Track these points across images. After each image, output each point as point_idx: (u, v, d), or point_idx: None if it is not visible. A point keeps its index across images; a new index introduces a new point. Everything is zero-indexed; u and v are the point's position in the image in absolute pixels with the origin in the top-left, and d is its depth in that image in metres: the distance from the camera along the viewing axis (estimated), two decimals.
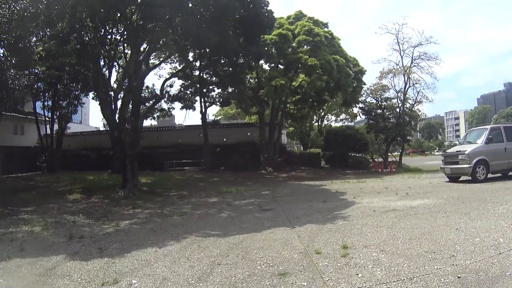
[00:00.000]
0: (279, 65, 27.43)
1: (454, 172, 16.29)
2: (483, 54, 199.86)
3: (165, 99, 25.01)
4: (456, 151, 16.59)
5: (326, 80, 24.48)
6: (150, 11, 13.62)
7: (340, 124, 52.70)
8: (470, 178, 15.56)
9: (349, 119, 54.01)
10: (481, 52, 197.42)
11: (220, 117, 55.23)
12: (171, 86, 26.54)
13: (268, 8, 20.13)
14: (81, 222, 9.83)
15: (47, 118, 28.52)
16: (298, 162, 31.65)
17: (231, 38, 16.75)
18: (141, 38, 15.26)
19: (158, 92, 23.71)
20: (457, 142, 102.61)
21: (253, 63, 23.50)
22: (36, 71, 24.63)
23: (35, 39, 19.05)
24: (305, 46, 25.72)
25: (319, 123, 52.27)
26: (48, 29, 16.03)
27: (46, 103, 28.04)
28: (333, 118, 54.86)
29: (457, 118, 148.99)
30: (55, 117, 27.95)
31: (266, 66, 29.14)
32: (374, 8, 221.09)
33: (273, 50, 24.68)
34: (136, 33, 15.02)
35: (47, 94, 27.26)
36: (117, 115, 19.24)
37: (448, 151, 18.57)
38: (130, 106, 17.26)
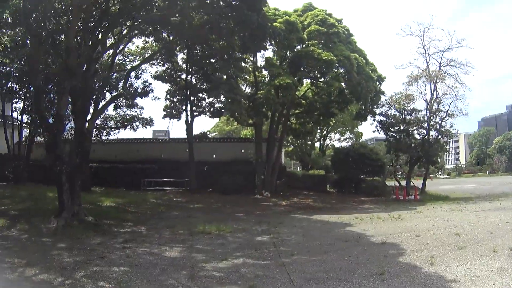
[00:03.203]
0: (283, 64, 22.28)
1: None
2: (483, 76, 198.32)
3: (128, 93, 19.01)
4: None
5: (343, 82, 19.46)
6: None
7: (344, 144, 47.87)
8: None
9: (354, 138, 49.25)
10: (480, 75, 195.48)
11: (215, 133, 50.31)
12: (137, 77, 21.55)
13: None
14: None
15: (16, 123, 25.14)
16: (300, 186, 27.24)
17: None
18: None
19: (120, 84, 18.15)
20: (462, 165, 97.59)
21: (252, 45, 17.47)
22: (8, 68, 21.20)
23: None
24: (317, 42, 20.58)
25: (321, 142, 47.34)
26: None
27: (16, 106, 24.72)
28: (337, 136, 50.00)
29: (457, 141, 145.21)
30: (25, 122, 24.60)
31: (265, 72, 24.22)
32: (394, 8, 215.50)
33: (280, 32, 18.67)
34: None
35: (16, 95, 23.73)
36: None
37: None
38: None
